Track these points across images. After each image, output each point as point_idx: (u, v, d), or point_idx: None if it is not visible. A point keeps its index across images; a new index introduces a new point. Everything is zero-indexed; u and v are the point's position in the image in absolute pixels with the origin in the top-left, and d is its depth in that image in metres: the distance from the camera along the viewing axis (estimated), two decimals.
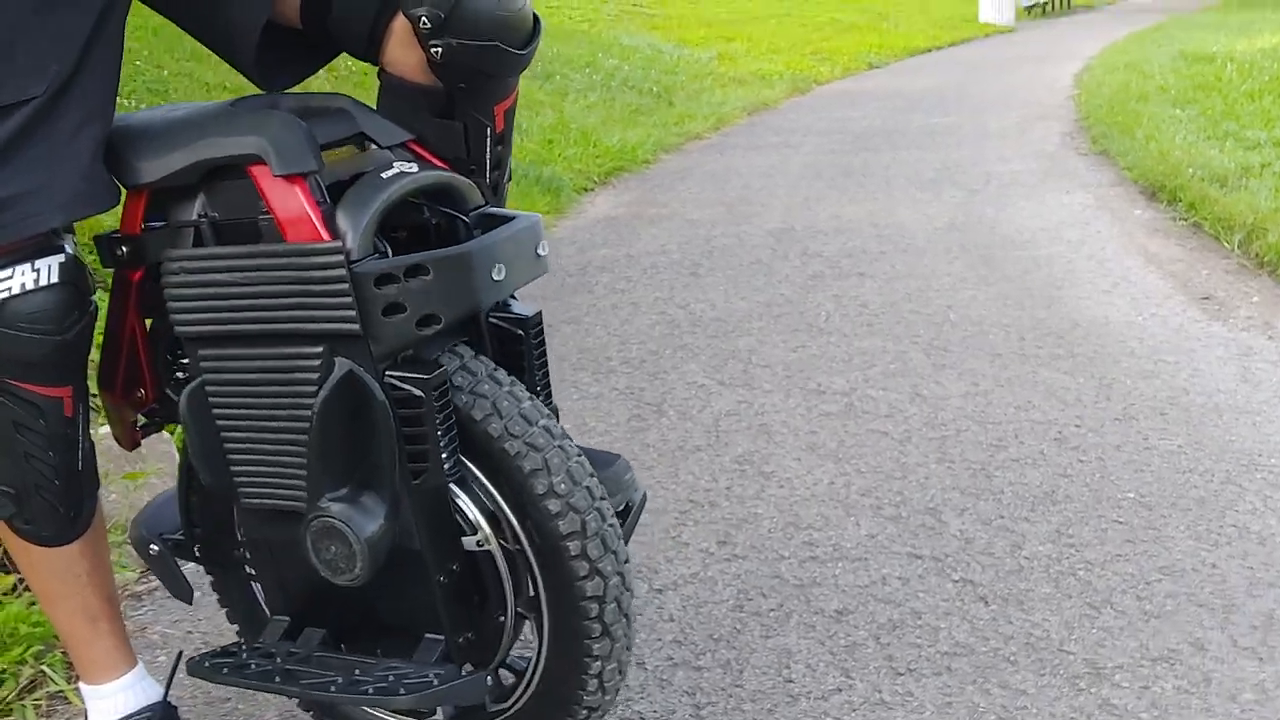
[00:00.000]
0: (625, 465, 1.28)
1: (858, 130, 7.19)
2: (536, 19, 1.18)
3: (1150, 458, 2.15)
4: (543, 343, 1.23)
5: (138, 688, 1.30)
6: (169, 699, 1.33)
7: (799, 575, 1.77)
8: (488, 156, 1.22)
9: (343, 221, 1.04)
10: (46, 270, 1.06)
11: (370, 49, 1.17)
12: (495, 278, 1.08)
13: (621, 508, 1.27)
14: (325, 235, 1.04)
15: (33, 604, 1.62)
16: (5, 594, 1.65)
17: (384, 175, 1.09)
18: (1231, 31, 12.62)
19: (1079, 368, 2.64)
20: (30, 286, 1.05)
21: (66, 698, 1.53)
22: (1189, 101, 6.66)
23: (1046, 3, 22.22)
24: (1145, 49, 10.56)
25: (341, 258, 1.02)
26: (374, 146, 1.14)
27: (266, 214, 1.06)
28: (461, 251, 1.07)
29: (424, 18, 1.10)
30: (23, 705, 1.50)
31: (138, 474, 1.85)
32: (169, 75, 5.58)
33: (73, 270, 1.10)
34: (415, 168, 1.12)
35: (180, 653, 1.36)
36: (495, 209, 1.18)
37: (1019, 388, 2.53)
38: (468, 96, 1.17)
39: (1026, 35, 17.05)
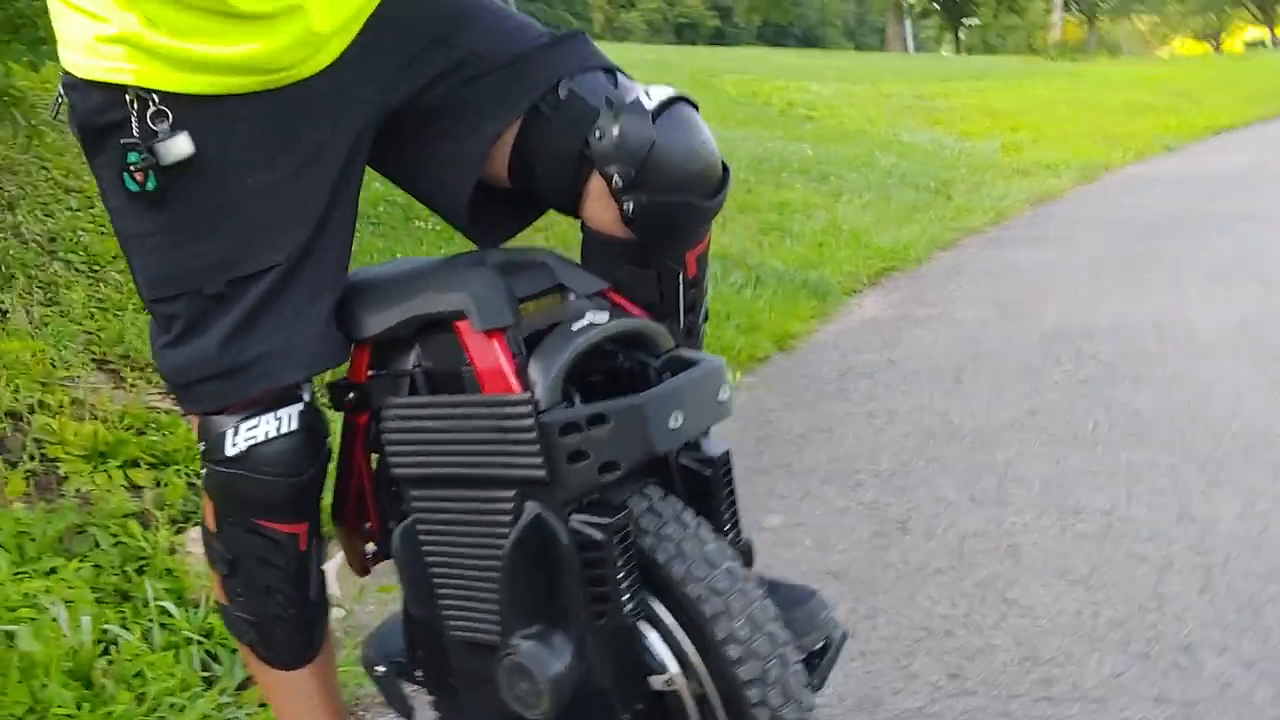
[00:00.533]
0: (821, 603, 1.28)
1: (1147, 217, 6.85)
2: (725, 169, 1.23)
3: None
4: (731, 481, 1.26)
5: None
6: None
7: (1030, 715, 1.69)
8: (681, 301, 1.27)
9: (534, 373, 1.12)
10: (287, 419, 1.18)
11: (572, 205, 1.25)
12: (672, 425, 1.12)
13: (819, 646, 1.26)
14: (517, 387, 1.11)
15: None
16: (260, 706, 1.80)
17: (574, 327, 1.15)
18: None
19: None
20: (273, 434, 1.17)
21: None
22: None
23: None
24: None
25: (530, 408, 1.09)
26: (572, 296, 1.21)
27: (469, 365, 1.15)
28: (638, 402, 1.11)
29: (616, 176, 1.17)
30: None
31: (389, 587, 1.99)
32: (382, 212, 5.99)
33: (310, 418, 1.22)
34: (606, 316, 1.18)
35: None
36: (685, 353, 1.22)
37: None
38: (661, 246, 1.23)
39: None
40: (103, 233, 4.09)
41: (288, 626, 1.25)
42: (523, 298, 1.16)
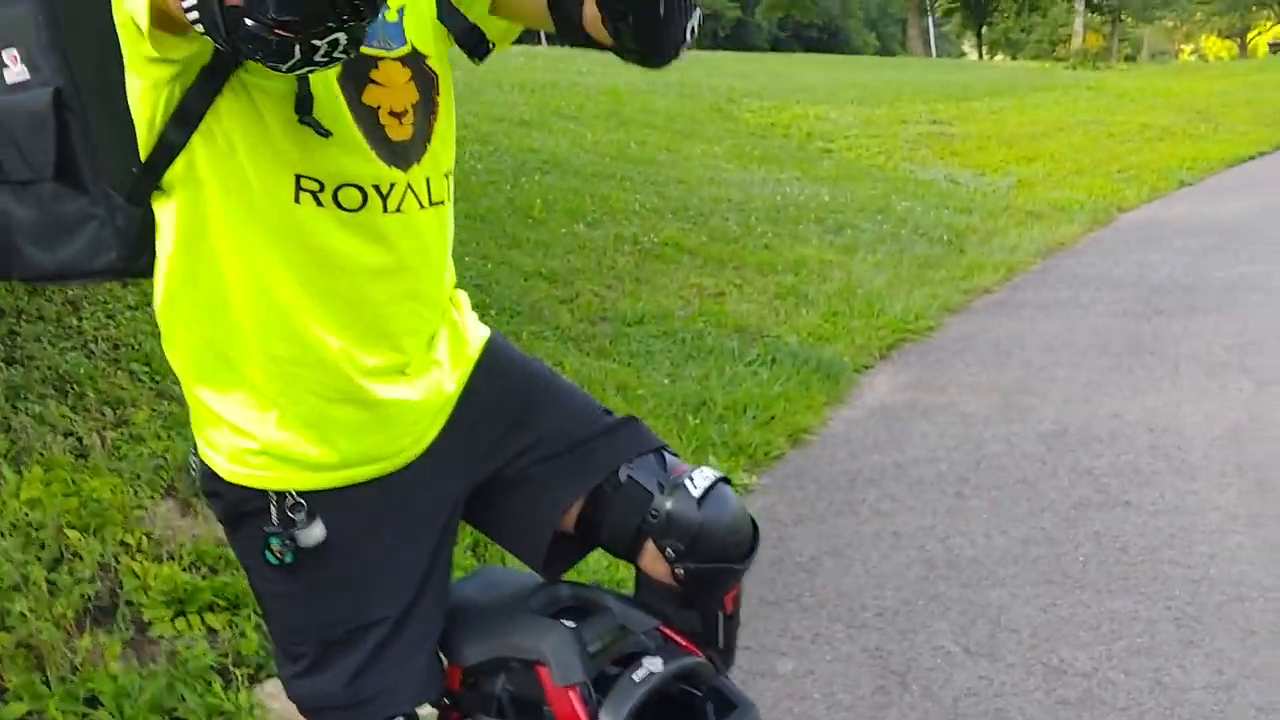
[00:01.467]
0: None
1: (1155, 282, 7.07)
2: (756, 531, 1.51)
3: None
4: None
5: None
6: None
7: None
8: (720, 633, 1.55)
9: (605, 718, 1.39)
10: None
11: (629, 558, 1.53)
12: None
13: None
14: None
15: None
16: None
17: (636, 678, 1.42)
18: None
19: None
20: None
21: None
22: None
23: None
24: None
25: None
26: (633, 634, 1.48)
27: (548, 707, 1.41)
28: None
29: (669, 549, 1.46)
30: None
31: None
32: (492, 266, 6.27)
33: None
34: (661, 664, 1.44)
35: None
36: (724, 685, 1.50)
37: (1265, 682, 2.57)
38: (702, 593, 1.51)
39: None
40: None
41: None
42: (594, 652, 1.43)
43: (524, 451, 1.50)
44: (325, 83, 1.25)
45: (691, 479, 1.49)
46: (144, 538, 3.05)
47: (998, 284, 7.48)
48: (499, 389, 1.50)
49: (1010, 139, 14.16)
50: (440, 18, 1.41)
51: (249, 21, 0.94)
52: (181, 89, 1.23)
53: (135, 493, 3.24)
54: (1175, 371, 5.11)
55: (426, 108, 1.35)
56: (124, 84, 1.28)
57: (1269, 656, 2.68)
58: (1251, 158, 13.84)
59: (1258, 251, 7.78)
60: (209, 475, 1.40)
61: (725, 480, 1.52)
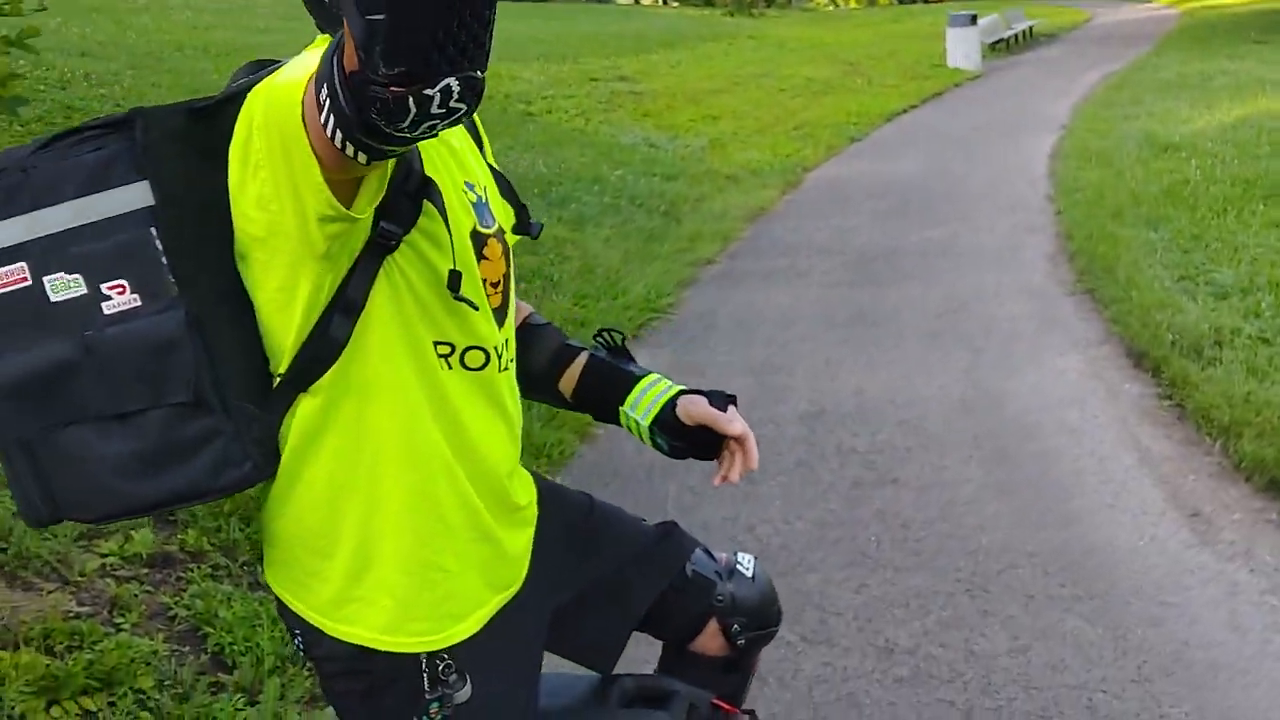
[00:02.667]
0: None
1: (858, 248, 7.79)
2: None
3: None
4: None
5: None
6: None
7: None
8: (747, 689, 1.87)
9: None
10: None
11: (679, 640, 1.79)
12: None
13: None
14: None
15: None
16: None
17: None
18: (1192, 92, 13.29)
19: (1098, 612, 3.21)
20: None
21: None
22: (1161, 219, 7.30)
23: (1011, 38, 22.87)
24: (1114, 128, 11.17)
25: None
26: (698, 708, 1.73)
27: None
28: None
29: (735, 625, 1.75)
30: None
31: None
32: None
33: None
34: None
35: None
36: None
37: (1054, 641, 3.10)
38: (749, 657, 1.82)
39: (995, 84, 17.67)
40: None
41: None
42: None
43: (597, 576, 1.70)
44: (465, 259, 1.37)
45: (741, 564, 1.80)
46: None
47: (717, 254, 7.99)
48: (559, 520, 1.66)
49: (694, 95, 14.86)
50: (503, 194, 1.56)
51: (370, 86, 0.97)
52: (336, 281, 1.29)
53: None
54: (899, 343, 5.73)
55: (507, 278, 1.50)
56: (248, 297, 1.32)
57: (1050, 618, 3.21)
58: (903, 111, 15.19)
59: (937, 214, 8.69)
60: (351, 655, 1.43)
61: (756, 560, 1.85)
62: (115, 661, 2.85)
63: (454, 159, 1.45)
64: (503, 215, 1.53)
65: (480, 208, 1.46)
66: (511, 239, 1.56)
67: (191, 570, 3.33)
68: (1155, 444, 4.30)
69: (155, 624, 3.13)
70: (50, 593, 3.16)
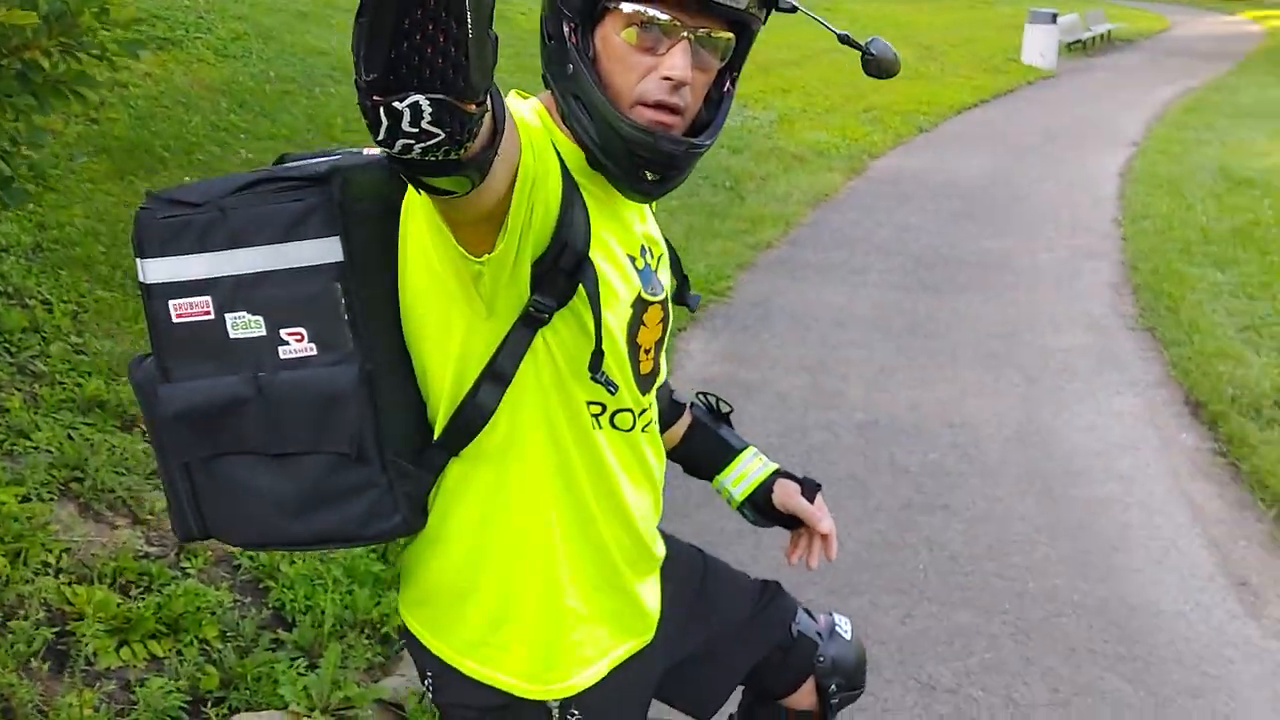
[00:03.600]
0: None
1: (916, 252, 7.75)
2: None
3: None
4: None
5: None
6: None
7: None
8: None
9: None
10: None
11: (776, 692, 1.85)
12: None
13: None
14: None
15: None
16: None
17: None
18: (1271, 121, 13.08)
19: (1138, 675, 3.25)
20: None
21: None
22: (1228, 261, 7.25)
23: (1089, 40, 22.54)
24: (1186, 154, 11.04)
25: None
26: None
27: None
28: None
29: (833, 685, 1.83)
30: None
31: None
32: None
33: None
34: None
35: None
36: None
37: (1093, 699, 3.14)
38: (836, 712, 1.87)
39: (1068, 88, 17.43)
40: (23, 307, 4.13)
41: None
42: None
43: (709, 636, 1.76)
44: (610, 339, 1.40)
45: (839, 626, 1.89)
46: (63, 554, 3.00)
47: (778, 238, 7.99)
48: (676, 576, 1.70)
49: (767, 65, 14.72)
50: (670, 263, 1.60)
51: (359, 92, 0.97)
52: (489, 350, 1.35)
53: (39, 499, 3.16)
54: (954, 360, 5.74)
55: (661, 343, 1.52)
56: (411, 363, 1.40)
57: (1091, 674, 3.25)
58: (974, 105, 15.05)
59: (998, 224, 8.64)
60: (483, 702, 1.47)
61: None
62: (183, 608, 2.94)
63: (623, 228, 1.47)
64: (669, 279, 1.57)
65: (648, 275, 1.48)
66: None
67: None
68: (1208, 503, 4.31)
69: (220, 571, 3.21)
70: (120, 528, 3.24)
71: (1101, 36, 23.15)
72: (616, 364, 1.43)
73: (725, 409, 1.90)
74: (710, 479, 1.90)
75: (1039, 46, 19.03)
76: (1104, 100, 16.06)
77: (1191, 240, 7.75)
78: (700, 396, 1.91)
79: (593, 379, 1.38)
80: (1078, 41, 21.84)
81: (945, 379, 5.48)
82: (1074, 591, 3.67)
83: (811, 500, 1.84)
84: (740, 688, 1.92)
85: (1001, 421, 5.00)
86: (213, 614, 2.97)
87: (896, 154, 11.46)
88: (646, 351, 1.49)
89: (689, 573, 1.78)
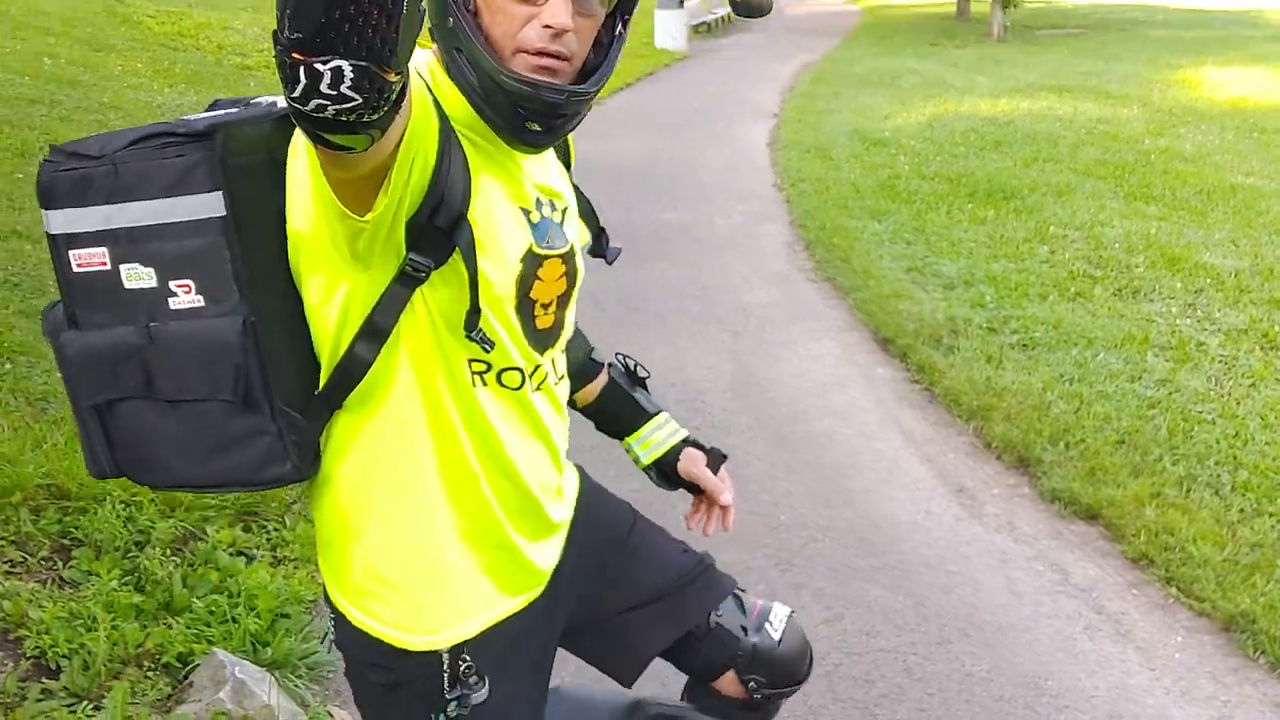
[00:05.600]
0: None
1: (611, 223, 7.95)
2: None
3: (971, 685, 3.07)
4: None
5: None
6: None
7: None
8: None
9: None
10: None
11: (707, 676, 1.82)
12: None
13: None
14: None
15: None
16: None
17: None
18: (887, 89, 14.34)
19: (896, 582, 3.55)
20: None
21: None
22: (883, 212, 7.91)
23: (713, 23, 23.78)
24: (822, 121, 11.92)
25: None
26: None
27: None
28: None
29: (753, 682, 1.78)
30: None
31: None
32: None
33: None
34: None
35: None
36: None
37: (862, 610, 3.40)
38: (771, 706, 1.85)
39: (702, 68, 18.33)
40: None
41: None
42: None
43: (620, 604, 1.73)
44: (491, 297, 1.39)
45: (770, 621, 1.80)
46: None
47: None
48: (598, 535, 1.69)
49: None
50: (582, 215, 1.59)
51: (278, 47, 0.98)
52: (368, 306, 1.34)
53: None
54: (664, 324, 5.98)
55: (566, 298, 1.51)
56: (303, 314, 1.37)
57: (855, 588, 3.52)
58: (620, 89, 15.51)
59: (668, 198, 9.01)
60: (380, 649, 1.48)
61: (793, 612, 1.86)
62: None
63: (512, 180, 1.46)
64: (580, 233, 1.57)
65: (544, 227, 1.47)
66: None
67: None
68: (916, 425, 4.74)
69: None
70: None
71: (724, 19, 24.54)
72: (502, 321, 1.42)
73: (643, 374, 1.92)
74: (620, 439, 1.92)
75: (670, 30, 19.94)
76: (738, 77, 17.04)
77: (847, 197, 8.41)
78: (619, 357, 1.92)
79: (468, 337, 1.37)
80: (702, 23, 23.05)
81: (659, 341, 5.69)
82: (821, 518, 3.95)
83: (715, 471, 1.87)
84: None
85: (719, 375, 5.27)
86: None
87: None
88: (545, 307, 1.47)
89: (613, 530, 1.77)
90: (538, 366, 1.49)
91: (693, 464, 1.89)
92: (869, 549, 3.74)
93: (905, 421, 4.78)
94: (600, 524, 1.74)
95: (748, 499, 4.07)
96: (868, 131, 10.99)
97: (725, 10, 24.80)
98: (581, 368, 1.82)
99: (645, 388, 1.93)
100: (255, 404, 1.35)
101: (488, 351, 1.40)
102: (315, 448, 1.43)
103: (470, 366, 1.42)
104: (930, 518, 3.97)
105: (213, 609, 3.12)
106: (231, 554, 3.41)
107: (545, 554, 1.60)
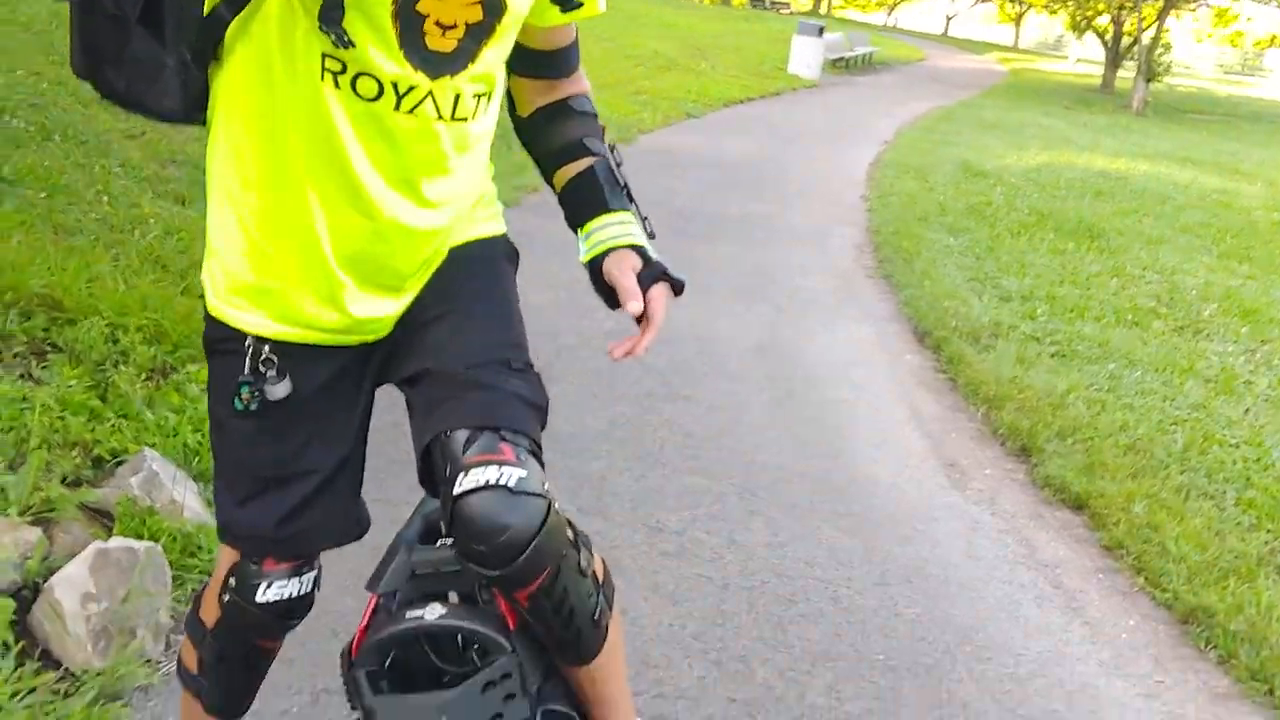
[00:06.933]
0: None
1: (681, 207, 7.96)
2: (533, 548, 1.42)
3: (897, 624, 2.95)
4: None
5: None
6: None
7: (651, 710, 2.46)
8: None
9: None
10: (307, 582, 1.61)
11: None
12: None
13: None
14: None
15: (93, 705, 2.15)
16: None
17: (407, 614, 1.53)
18: (1008, 135, 14.10)
19: (854, 528, 3.44)
20: (294, 594, 1.59)
21: None
22: (961, 229, 7.75)
23: (852, 59, 23.67)
24: (933, 151, 11.76)
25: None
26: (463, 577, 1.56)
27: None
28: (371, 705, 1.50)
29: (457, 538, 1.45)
30: None
31: None
32: (47, 86, 5.80)
33: (318, 578, 1.65)
34: (438, 613, 1.52)
35: None
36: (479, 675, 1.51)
37: (809, 543, 3.30)
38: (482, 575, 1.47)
39: (830, 97, 18.26)
40: None
41: (245, 695, 1.71)
42: (419, 574, 1.55)
43: (415, 376, 1.53)
44: None
45: (466, 475, 1.40)
46: None
47: (543, 185, 8.00)
48: (435, 303, 1.54)
49: None
50: None
51: None
52: None
53: None
54: (709, 291, 5.92)
55: (483, 30, 1.39)
56: None
57: (809, 525, 3.42)
58: (742, 101, 15.57)
59: (762, 191, 8.98)
60: (209, 319, 1.53)
61: (506, 487, 1.41)
62: None
63: None
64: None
65: None
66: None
67: None
68: (926, 406, 4.61)
69: None
70: None
71: (863, 58, 24.43)
72: (373, 25, 1.33)
73: (623, 181, 1.72)
74: (576, 229, 1.73)
75: (805, 58, 19.88)
76: (863, 108, 16.93)
77: (930, 213, 8.26)
78: (610, 150, 1.72)
79: (320, 28, 1.32)
80: (841, 59, 22.95)
81: (697, 304, 5.63)
82: (799, 464, 3.85)
83: (648, 286, 1.61)
84: None
85: (747, 337, 5.20)
86: None
87: (665, 133, 11.71)
88: (444, 28, 1.37)
89: (443, 298, 1.57)
90: (413, 87, 1.38)
91: (616, 265, 1.61)
92: (837, 497, 3.64)
93: (917, 401, 4.64)
94: (437, 291, 1.57)
95: (730, 438, 4.01)
96: (973, 165, 10.79)
97: (867, 50, 24.68)
98: (568, 148, 1.70)
99: (630, 194, 1.71)
100: (161, 34, 1.40)
101: (340, 48, 1.33)
102: (202, 97, 1.45)
103: (325, 63, 1.35)
104: (911, 483, 3.84)
105: (160, 423, 3.16)
106: (201, 389, 3.45)
107: (369, 304, 1.51)
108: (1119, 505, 3.66)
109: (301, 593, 1.62)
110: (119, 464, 2.95)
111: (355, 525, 1.64)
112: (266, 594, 1.59)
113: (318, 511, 1.57)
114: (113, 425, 3.10)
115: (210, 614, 1.65)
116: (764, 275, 6.39)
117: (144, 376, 3.42)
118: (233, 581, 1.60)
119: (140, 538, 2.62)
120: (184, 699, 1.76)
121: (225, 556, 1.63)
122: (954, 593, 3.14)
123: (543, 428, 1.59)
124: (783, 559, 3.20)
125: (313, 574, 1.64)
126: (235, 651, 1.66)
